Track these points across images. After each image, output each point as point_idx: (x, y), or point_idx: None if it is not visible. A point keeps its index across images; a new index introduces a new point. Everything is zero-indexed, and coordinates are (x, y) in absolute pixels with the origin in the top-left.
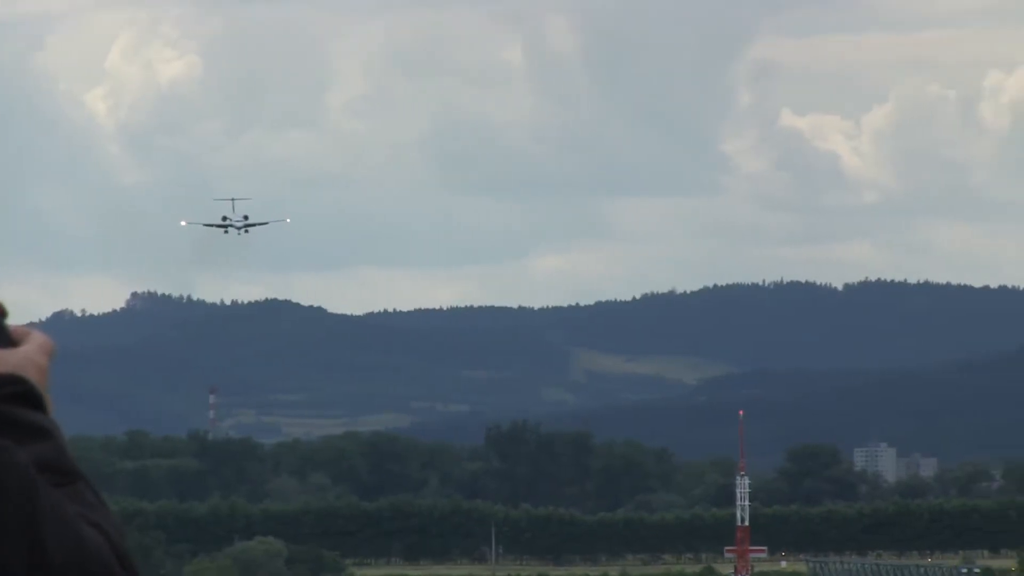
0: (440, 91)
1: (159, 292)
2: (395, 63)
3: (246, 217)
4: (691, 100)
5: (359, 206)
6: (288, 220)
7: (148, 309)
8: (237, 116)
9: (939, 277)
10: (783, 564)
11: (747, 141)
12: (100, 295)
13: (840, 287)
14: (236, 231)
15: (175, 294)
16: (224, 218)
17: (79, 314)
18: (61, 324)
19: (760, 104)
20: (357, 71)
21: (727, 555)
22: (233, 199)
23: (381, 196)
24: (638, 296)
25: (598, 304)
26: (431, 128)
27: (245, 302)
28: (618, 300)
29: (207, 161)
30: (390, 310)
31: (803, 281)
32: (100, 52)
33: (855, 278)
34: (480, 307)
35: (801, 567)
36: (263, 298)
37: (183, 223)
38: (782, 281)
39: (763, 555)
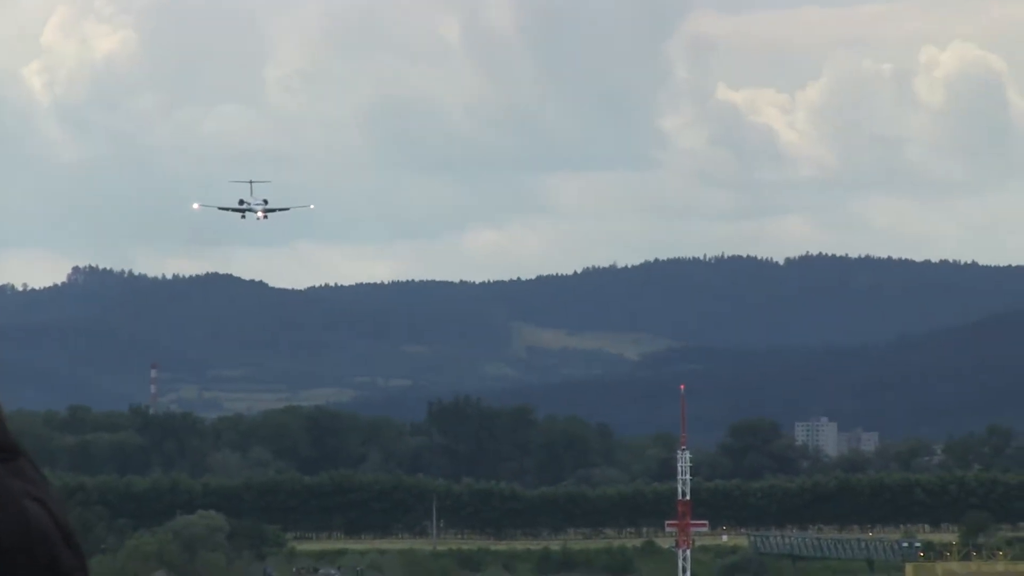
0: (377, 67)
1: (100, 267)
2: (332, 39)
3: (266, 201)
4: (628, 75)
5: (297, 182)
6: (312, 207)
7: (89, 284)
8: (173, 91)
9: (880, 252)
10: (724, 538)
11: (684, 116)
12: (41, 270)
13: (781, 262)
14: (255, 216)
15: (116, 269)
16: (241, 201)
17: (20, 289)
18: (2, 299)
19: (696, 79)
20: (294, 47)
21: (668, 529)
22: (251, 181)
23: (319, 172)
24: (579, 271)
25: (539, 279)
26: (369, 104)
27: (186, 276)
28: (559, 275)
29: (143, 136)
30: (331, 285)
31: (744, 256)
32: (36, 28)
33: (796, 253)
34: (421, 282)
35: (742, 541)
36: (204, 272)
37: (195, 206)
38: (723, 256)
39: (704, 529)
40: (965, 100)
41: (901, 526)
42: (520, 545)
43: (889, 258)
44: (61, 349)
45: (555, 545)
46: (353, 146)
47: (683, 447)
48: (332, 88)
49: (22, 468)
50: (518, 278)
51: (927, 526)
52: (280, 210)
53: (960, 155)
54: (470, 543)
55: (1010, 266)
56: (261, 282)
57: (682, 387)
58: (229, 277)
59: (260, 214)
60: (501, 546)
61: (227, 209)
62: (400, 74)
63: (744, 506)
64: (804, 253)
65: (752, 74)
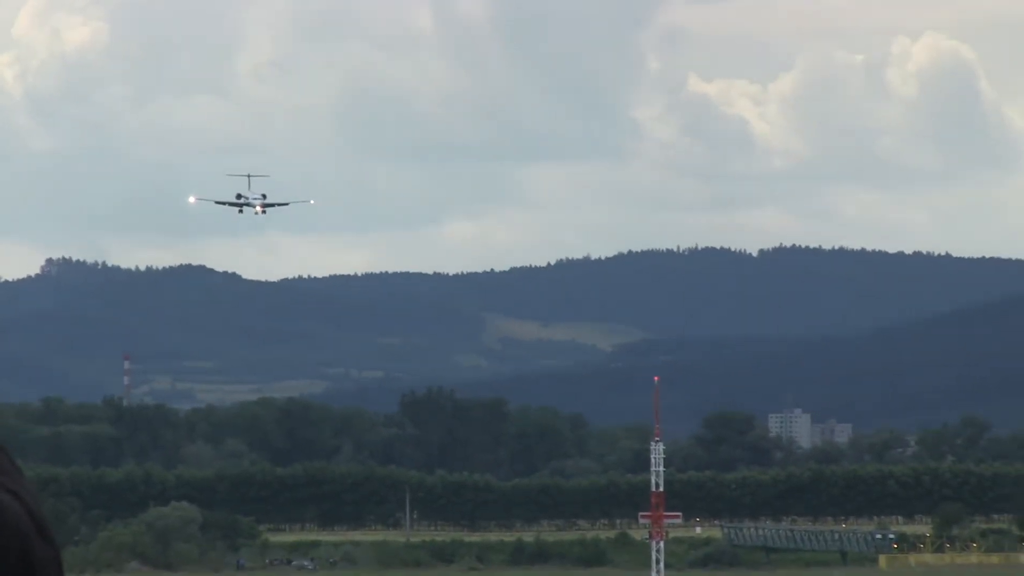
0: (350, 58)
1: (74, 258)
2: (304, 29)
3: (264, 196)
4: (601, 66)
5: (270, 172)
6: (312, 201)
7: (63, 275)
8: (145, 82)
9: (853, 243)
10: (698, 530)
11: (656, 107)
12: (15, 261)
13: (755, 253)
14: (253, 211)
15: (90, 260)
16: (239, 195)
17: None
18: None
19: (668, 70)
20: (265, 37)
21: (642, 521)
22: (249, 175)
23: (292, 162)
24: (553, 262)
25: (512, 270)
26: (341, 95)
27: (160, 268)
28: (532, 266)
29: (116, 127)
30: (304, 276)
31: (718, 247)
32: (7, 19)
33: (769, 244)
34: (394, 273)
35: (716, 533)
36: (177, 264)
37: (192, 199)
38: (696, 247)
39: (678, 521)
40: (937, 91)
41: (875, 518)
42: (494, 537)
43: (862, 249)
44: (34, 340)
45: (528, 537)
46: (326, 137)
47: (657, 438)
48: (305, 78)
49: None
50: (491, 269)
51: (901, 518)
52: (279, 204)
53: (933, 146)
54: (443, 535)
55: (983, 257)
56: (234, 273)
57: (656, 378)
58: (202, 268)
59: (259, 208)
60: (474, 538)
61: (224, 203)
62: (373, 64)
63: (718, 498)
64: (778, 244)
65: (724, 65)
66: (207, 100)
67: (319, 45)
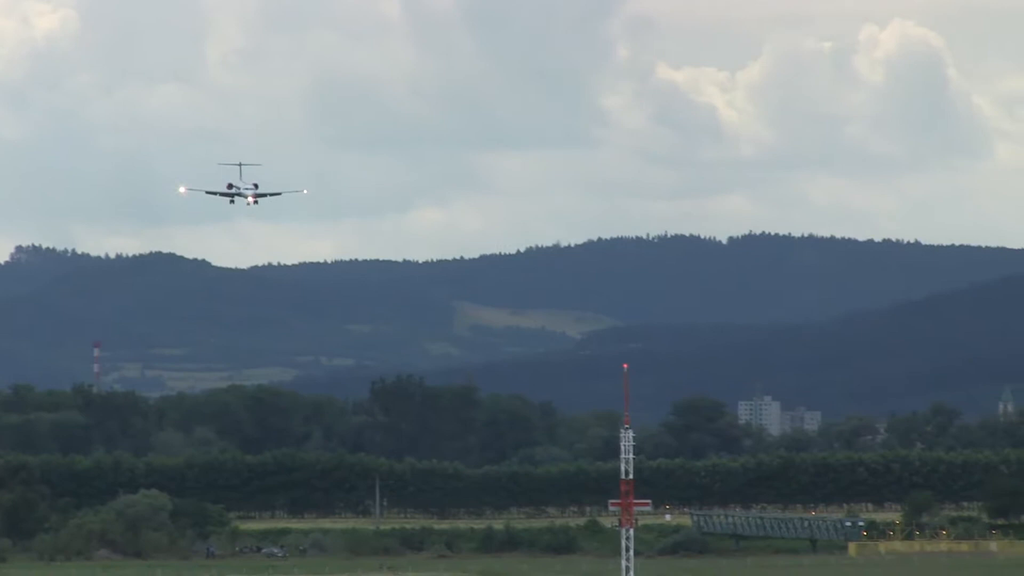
0: (318, 45)
1: (43, 246)
2: (272, 17)
3: (256, 185)
4: (569, 54)
5: (237, 160)
6: (305, 191)
7: (32, 263)
8: (113, 70)
9: (822, 230)
10: (668, 517)
11: (625, 95)
12: None
13: (724, 240)
14: (245, 201)
15: (59, 247)
16: (230, 185)
17: None
18: None
19: (637, 58)
20: (233, 25)
21: (611, 508)
22: (240, 164)
23: (261, 150)
24: (522, 249)
25: (482, 257)
26: (310, 82)
27: (129, 255)
28: (502, 253)
29: (85, 115)
30: (274, 264)
31: (687, 235)
32: None
33: (738, 231)
34: (364, 261)
35: (686, 520)
36: (147, 251)
37: (182, 190)
38: (666, 235)
39: (648, 508)
40: (905, 78)
41: (844, 505)
42: (463, 524)
43: (832, 237)
44: (4, 328)
45: (498, 524)
46: (295, 124)
47: (626, 426)
48: (273, 67)
49: None
50: (461, 257)
51: (870, 505)
52: (272, 195)
53: (901, 133)
54: (413, 522)
55: (953, 245)
56: (204, 261)
57: (625, 366)
58: (172, 256)
59: (251, 199)
60: (444, 525)
61: (215, 193)
62: (341, 53)
63: (687, 485)
64: (747, 232)
65: (693, 53)
66: (176, 88)
67: (288, 34)
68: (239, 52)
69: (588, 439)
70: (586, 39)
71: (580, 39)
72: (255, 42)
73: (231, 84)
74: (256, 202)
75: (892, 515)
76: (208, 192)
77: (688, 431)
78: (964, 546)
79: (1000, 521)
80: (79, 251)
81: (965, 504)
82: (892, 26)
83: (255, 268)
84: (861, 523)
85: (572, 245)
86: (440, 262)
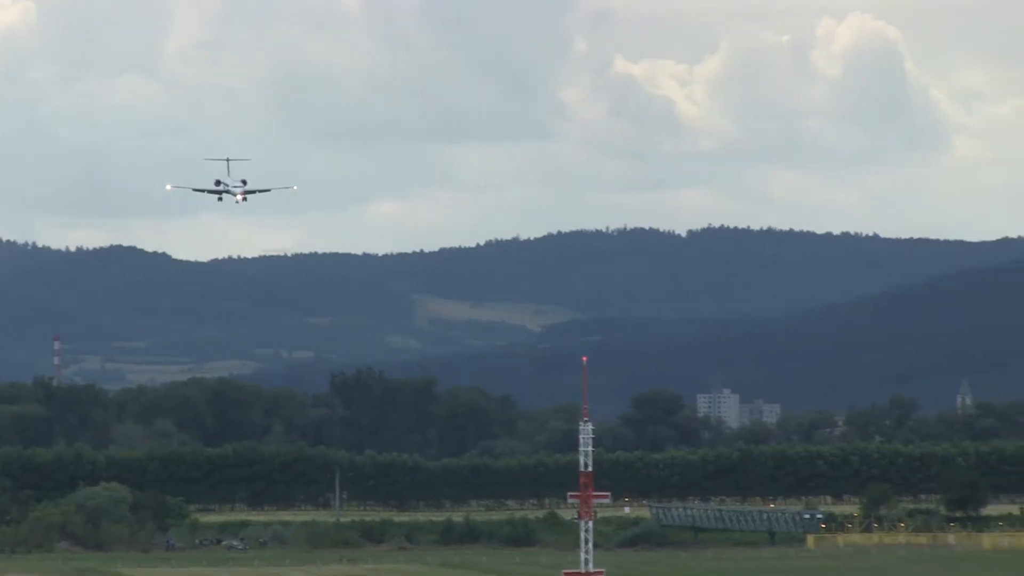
0: (278, 38)
1: (3, 239)
2: (232, 10)
3: (244, 182)
4: (528, 48)
5: (199, 153)
6: (295, 188)
7: None
8: (73, 63)
9: (781, 224)
10: (627, 510)
11: (584, 88)
12: None
13: (683, 234)
14: (234, 198)
15: (20, 240)
16: (218, 182)
17: None
18: None
19: (595, 51)
20: (193, 18)
21: (570, 500)
22: (228, 159)
23: (220, 143)
24: (482, 243)
25: (442, 251)
26: (270, 75)
27: (90, 248)
28: (462, 247)
29: (45, 107)
30: (234, 257)
31: (646, 228)
32: None
33: (698, 225)
34: (324, 254)
35: (644, 512)
36: (107, 244)
37: (168, 187)
38: (625, 228)
39: (607, 500)
40: (863, 71)
41: (803, 498)
42: (423, 516)
43: (791, 230)
44: None
45: (458, 516)
46: (254, 118)
47: (585, 418)
48: (233, 60)
49: None
50: (421, 250)
51: (829, 498)
52: (261, 191)
53: (859, 127)
54: (373, 514)
55: (912, 238)
56: (164, 254)
57: (584, 359)
58: (132, 249)
59: (239, 196)
60: (404, 517)
61: (203, 191)
62: (301, 46)
63: (646, 477)
64: (706, 225)
65: (651, 46)
66: (136, 81)
67: (248, 26)
68: (199, 45)
69: (547, 432)
70: (544, 33)
71: (538, 33)
72: (215, 35)
73: (191, 77)
74: (245, 199)
75: (850, 507)
76: (195, 189)
77: (647, 424)
78: (922, 538)
79: (958, 514)
80: (40, 244)
81: (923, 497)
82: (850, 20)
83: (215, 261)
84: (819, 515)
85: (532, 238)
86: (400, 255)
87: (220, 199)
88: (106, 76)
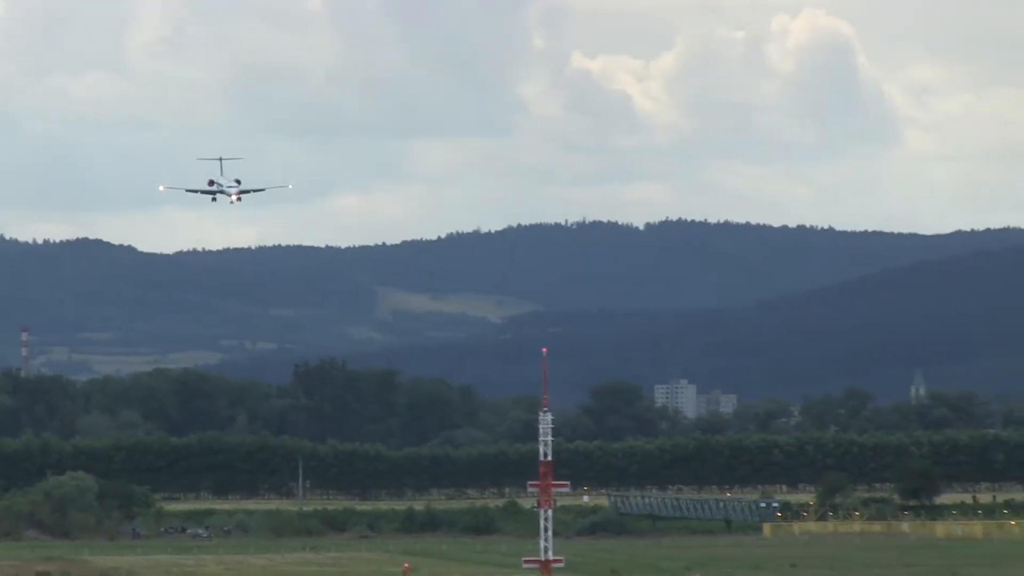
0: (240, 33)
1: None
2: (194, 5)
3: (238, 181)
4: (486, 43)
5: (162, 147)
6: (290, 186)
7: None
8: (38, 58)
9: (738, 217)
10: (585, 499)
11: (541, 83)
12: None
13: (641, 227)
14: (228, 199)
15: None
16: (211, 182)
17: None
18: None
19: (552, 47)
20: (157, 13)
21: (530, 489)
22: (221, 158)
23: (184, 138)
24: (443, 236)
25: (403, 243)
26: (232, 70)
27: (57, 241)
28: (423, 239)
29: (10, 102)
30: (199, 249)
31: (605, 221)
32: None
33: (655, 218)
34: (287, 246)
35: (603, 501)
36: (74, 237)
37: (161, 188)
38: (584, 220)
39: (566, 489)
40: (817, 67)
41: (759, 487)
42: (385, 505)
43: (747, 223)
44: None
45: (419, 505)
46: (217, 112)
47: (545, 409)
48: (196, 54)
49: None
50: (383, 243)
51: (785, 487)
52: (255, 191)
53: (813, 121)
54: (335, 503)
55: (866, 231)
56: (130, 247)
57: (544, 350)
58: (99, 242)
59: (234, 196)
60: (366, 506)
61: (196, 191)
62: (263, 41)
63: (605, 467)
64: (664, 218)
65: (608, 42)
66: (101, 76)
67: (210, 21)
68: (163, 40)
69: (508, 422)
70: (503, 29)
71: (496, 29)
72: (179, 30)
73: (155, 71)
74: (239, 199)
75: (806, 496)
76: (189, 190)
77: (606, 414)
78: (877, 527)
79: (912, 502)
80: (7, 236)
81: (878, 486)
82: (803, 15)
83: (180, 254)
84: (775, 504)
85: (492, 231)
86: (362, 248)
87: (214, 199)
88: (72, 71)
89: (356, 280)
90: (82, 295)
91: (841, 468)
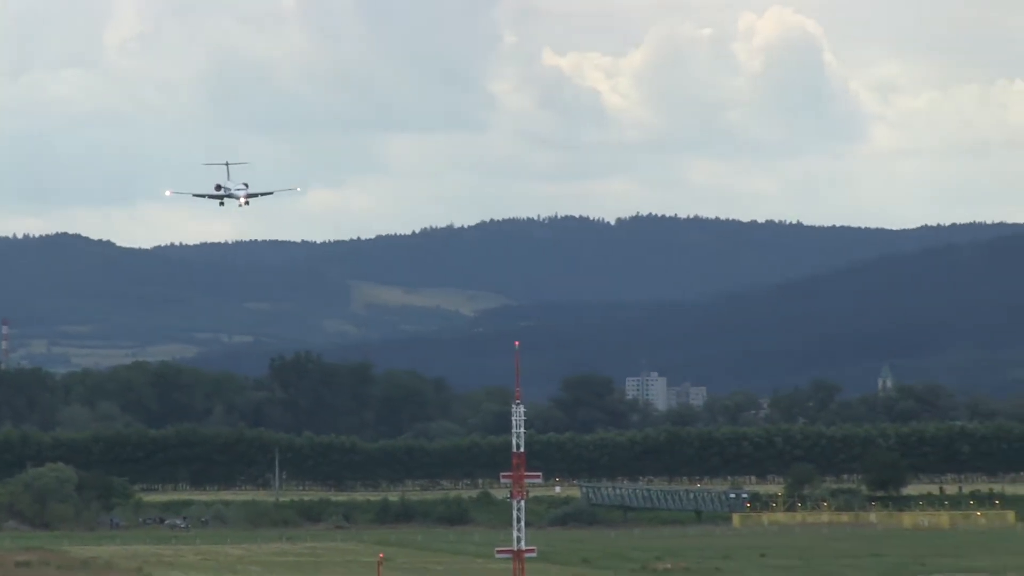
0: (214, 31)
1: None
2: (170, 3)
3: (246, 185)
4: (458, 41)
5: (139, 144)
6: (298, 189)
7: None
8: (16, 55)
9: (707, 212)
10: (557, 490)
11: (512, 80)
12: None
13: (612, 221)
14: (237, 203)
15: None
16: (218, 187)
17: None
18: None
19: (523, 44)
20: (132, 11)
21: (503, 480)
22: (228, 163)
23: (160, 134)
24: (417, 231)
25: (378, 238)
26: (207, 67)
27: (36, 236)
28: (397, 234)
29: None
30: (176, 244)
31: (576, 215)
32: None
33: (626, 212)
34: (263, 241)
35: (575, 492)
36: (54, 232)
37: (168, 193)
38: (556, 215)
39: (538, 480)
40: (783, 64)
41: (728, 478)
42: (360, 496)
43: (716, 218)
44: None
45: (393, 496)
46: (193, 108)
47: (517, 401)
48: (171, 52)
49: None
50: (357, 237)
51: (754, 478)
52: (264, 194)
53: (781, 118)
54: (311, 494)
55: (834, 226)
56: (109, 242)
57: (516, 343)
58: (78, 237)
59: (243, 200)
60: (341, 497)
61: (203, 196)
62: (237, 38)
63: (576, 458)
64: (634, 213)
65: (578, 39)
66: (78, 73)
67: (185, 19)
68: (138, 38)
69: (480, 414)
70: (475, 26)
71: (469, 26)
72: (153, 28)
73: (130, 69)
74: (248, 202)
75: (775, 487)
76: (196, 195)
77: (577, 406)
78: (844, 517)
79: (879, 493)
80: None
81: (845, 477)
82: (770, 13)
83: (158, 248)
84: (745, 495)
85: (465, 226)
86: (337, 243)
87: (222, 204)
88: (49, 69)
89: (331, 274)
90: (61, 289)
91: (809, 459)
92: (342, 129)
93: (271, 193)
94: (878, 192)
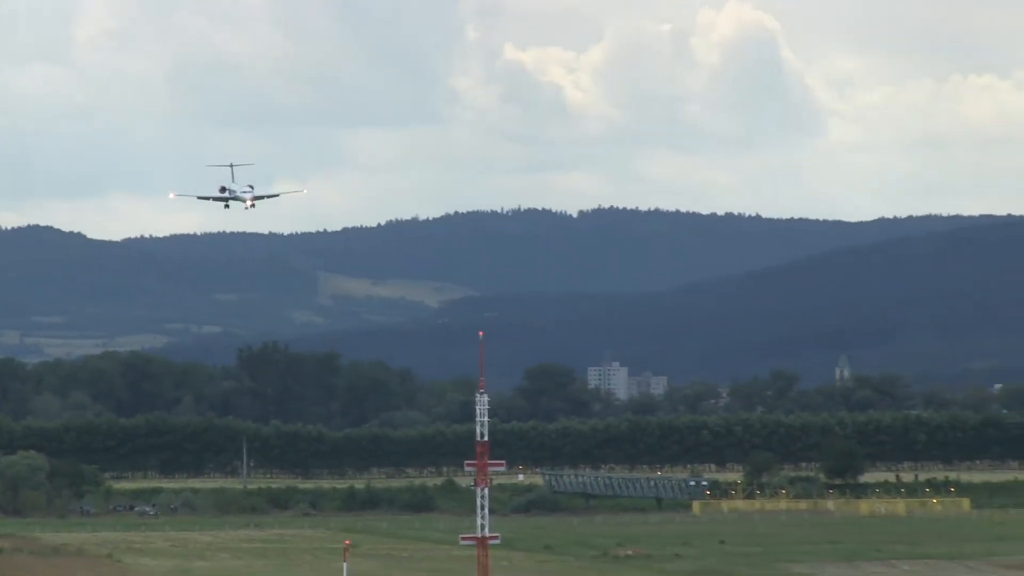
0: (182, 26)
1: None
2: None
3: (252, 187)
4: (422, 36)
5: (108, 138)
6: (305, 191)
7: None
8: None
9: (667, 204)
10: (521, 477)
11: (475, 75)
12: None
13: (574, 214)
14: (243, 205)
15: None
16: (223, 189)
17: None
18: None
19: (485, 39)
20: (101, 7)
21: (467, 469)
22: (232, 165)
23: (129, 128)
24: (382, 223)
25: (344, 230)
26: (174, 62)
27: (8, 228)
28: (363, 226)
29: None
30: (146, 236)
31: (539, 208)
32: None
33: (587, 205)
34: (232, 233)
35: (538, 480)
36: (24, 224)
37: (172, 195)
38: (519, 208)
39: (502, 469)
40: (741, 59)
41: (688, 466)
42: (326, 484)
43: (676, 211)
44: None
45: (359, 484)
46: (160, 103)
47: (481, 390)
48: (139, 47)
49: None
50: (324, 230)
51: (713, 466)
52: (270, 196)
53: (739, 112)
54: (279, 482)
55: (792, 218)
56: (79, 233)
57: (481, 333)
58: (49, 229)
59: (249, 202)
60: (308, 485)
61: (208, 198)
62: (205, 33)
63: (539, 447)
64: (596, 206)
65: (539, 34)
66: (48, 68)
67: (153, 15)
68: (107, 33)
69: (445, 403)
70: (438, 22)
71: (432, 22)
72: (122, 24)
73: (100, 64)
74: (253, 205)
75: (734, 475)
76: (200, 197)
77: (540, 396)
78: (802, 505)
79: (837, 481)
80: None
81: (803, 465)
82: (728, 9)
83: (128, 240)
84: (704, 483)
85: (430, 219)
86: (304, 235)
87: (227, 206)
88: (17, 63)
89: (298, 266)
90: (33, 280)
91: (768, 448)
92: (309, 123)
93: (277, 195)
94: (835, 185)
